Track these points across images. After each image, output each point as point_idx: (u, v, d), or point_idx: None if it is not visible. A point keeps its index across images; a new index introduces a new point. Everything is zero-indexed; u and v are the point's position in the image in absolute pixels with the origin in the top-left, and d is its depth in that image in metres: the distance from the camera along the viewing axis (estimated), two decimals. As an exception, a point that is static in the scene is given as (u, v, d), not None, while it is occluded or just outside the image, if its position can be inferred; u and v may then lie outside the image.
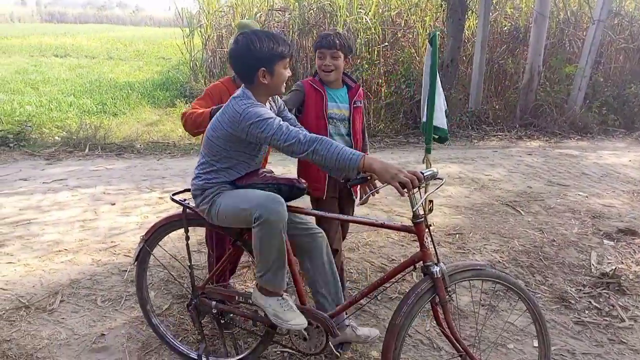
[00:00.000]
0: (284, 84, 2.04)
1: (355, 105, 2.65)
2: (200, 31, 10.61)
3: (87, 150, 6.08)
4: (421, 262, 1.97)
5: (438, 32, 2.93)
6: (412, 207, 1.88)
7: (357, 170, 1.79)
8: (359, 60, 9.19)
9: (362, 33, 9.11)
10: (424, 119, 3.02)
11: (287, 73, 2.00)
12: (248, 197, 1.95)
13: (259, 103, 1.94)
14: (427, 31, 9.09)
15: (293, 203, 2.08)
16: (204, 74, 10.24)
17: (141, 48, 19.46)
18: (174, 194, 2.28)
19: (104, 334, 2.68)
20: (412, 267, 2.02)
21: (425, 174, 1.88)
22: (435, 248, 1.98)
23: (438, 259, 1.97)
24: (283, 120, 2.17)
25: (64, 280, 3.16)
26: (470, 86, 8.04)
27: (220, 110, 1.98)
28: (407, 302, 1.93)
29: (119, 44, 21.03)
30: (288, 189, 2.07)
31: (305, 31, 9.89)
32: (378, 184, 2.44)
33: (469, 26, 9.08)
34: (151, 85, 11.03)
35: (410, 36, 9.30)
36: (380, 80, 8.95)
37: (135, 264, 2.44)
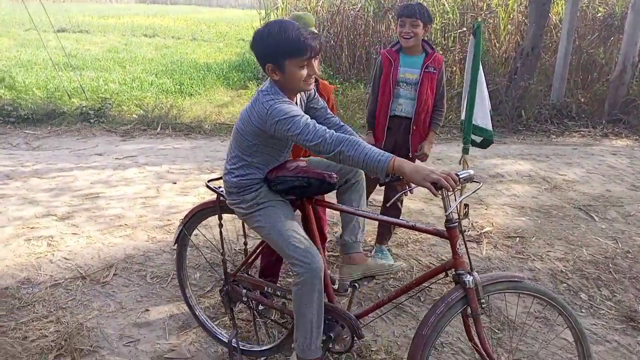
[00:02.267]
0: (307, 82, 1.91)
1: (426, 70, 2.84)
2: (277, 14, 10.69)
3: (159, 129, 6.36)
4: (453, 269, 1.84)
5: (483, 23, 2.73)
6: (445, 211, 1.76)
7: (387, 172, 1.69)
8: (434, 46, 8.86)
9: (438, 17, 8.75)
10: (462, 117, 2.82)
11: (305, 72, 1.86)
12: (290, 240, 1.91)
13: (286, 99, 1.86)
14: (510, 16, 8.57)
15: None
16: (275, 56, 10.33)
17: (223, 30, 20.00)
18: (209, 181, 2.29)
19: (148, 310, 2.79)
20: (443, 274, 1.90)
21: (460, 176, 1.74)
22: (469, 255, 1.84)
23: (472, 267, 1.83)
24: (315, 109, 2.13)
25: (120, 254, 3.33)
26: (553, 77, 7.47)
27: (249, 103, 1.94)
28: (436, 312, 1.81)
29: (203, 25, 21.75)
30: (318, 184, 2.00)
31: (379, 15, 9.67)
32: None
33: (557, 12, 8.42)
34: (227, 66, 11.30)
35: (491, 21, 8.79)
36: (455, 68, 8.57)
37: (176, 246, 2.51)
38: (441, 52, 8.66)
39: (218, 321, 2.67)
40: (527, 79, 6.80)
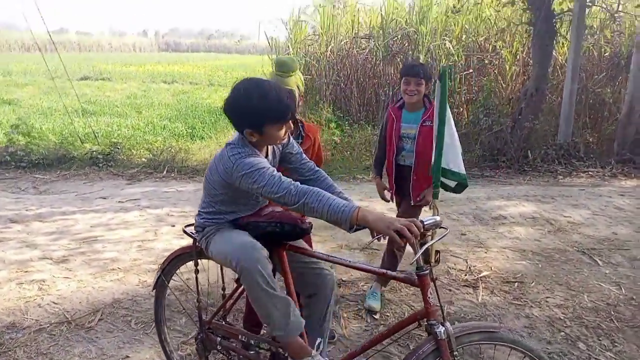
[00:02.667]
0: (283, 138, 1.93)
1: (423, 125, 3.02)
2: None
3: (164, 172, 6.46)
4: (425, 319, 1.77)
5: (448, 69, 2.79)
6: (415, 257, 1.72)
7: (350, 224, 1.67)
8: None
9: (444, 60, 8.86)
10: (432, 161, 2.80)
11: (283, 132, 1.88)
12: (229, 243, 1.91)
13: (253, 152, 1.86)
14: (517, 57, 8.63)
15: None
16: (285, 100, 10.52)
17: (240, 75, 20.38)
18: (186, 226, 2.29)
19: (129, 357, 2.75)
20: (416, 324, 1.83)
21: (425, 223, 1.70)
22: (441, 304, 1.77)
23: (444, 318, 1.77)
24: (291, 154, 2.13)
25: (108, 299, 3.31)
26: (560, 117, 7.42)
27: (217, 155, 1.94)
28: (407, 365, 1.75)
29: (221, 71, 22.41)
30: (291, 229, 2.00)
31: (388, 58, 9.84)
32: None
33: (563, 52, 8.45)
34: (239, 110, 11.51)
35: (496, 62, 8.86)
36: (461, 109, 8.60)
37: (154, 292, 2.49)
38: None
39: (198, 369, 2.61)
40: (532, 119, 6.76)
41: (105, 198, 5.46)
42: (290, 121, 1.91)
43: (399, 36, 9.99)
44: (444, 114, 2.68)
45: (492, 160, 6.91)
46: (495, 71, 8.92)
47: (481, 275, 3.70)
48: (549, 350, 2.83)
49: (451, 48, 8.74)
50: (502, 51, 8.61)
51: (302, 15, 11.20)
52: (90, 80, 18.87)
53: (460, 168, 2.84)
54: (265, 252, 1.87)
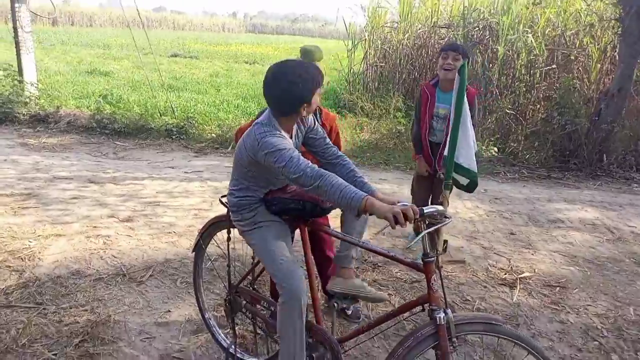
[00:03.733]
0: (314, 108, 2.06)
1: None
2: (363, 45, 10.96)
3: (229, 148, 6.79)
4: (428, 304, 1.84)
5: (467, 64, 2.75)
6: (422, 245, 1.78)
7: (358, 211, 1.75)
8: (517, 83, 8.58)
9: (524, 54, 8.47)
10: (445, 154, 2.76)
11: (319, 99, 2.03)
12: (275, 260, 2.04)
13: (279, 132, 1.98)
14: (607, 54, 8.07)
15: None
16: (358, 87, 10.56)
17: (318, 59, 20.77)
18: (222, 196, 2.48)
19: (170, 311, 3.02)
20: (420, 308, 1.89)
21: (426, 211, 1.75)
22: (444, 291, 1.83)
23: (447, 304, 1.82)
24: (315, 139, 2.23)
25: (161, 258, 3.63)
26: (646, 121, 6.91)
27: (246, 133, 2.05)
28: (404, 345, 1.82)
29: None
30: (311, 207, 2.12)
31: (467, 49, 9.56)
32: None
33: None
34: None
35: (582, 59, 8.34)
36: (538, 106, 8.21)
37: (193, 254, 2.72)
38: (524, 89, 8.37)
39: (229, 330, 2.82)
40: (611, 121, 6.35)
41: (173, 168, 5.87)
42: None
43: (481, 26, 9.66)
44: (460, 108, 2.66)
45: (563, 162, 6.59)
46: (580, 68, 8.41)
47: (521, 275, 3.62)
48: (577, 356, 2.76)
49: (533, 42, 8.34)
50: (589, 47, 8.09)
51: (382, 2, 11.12)
52: (179, 57, 19.92)
53: (472, 165, 2.80)
54: (305, 282, 2.01)
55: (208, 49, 23.83)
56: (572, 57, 8.54)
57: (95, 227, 4.05)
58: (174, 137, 7.07)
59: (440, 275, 1.83)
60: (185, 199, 4.84)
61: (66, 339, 2.69)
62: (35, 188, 4.80)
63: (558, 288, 3.49)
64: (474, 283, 3.50)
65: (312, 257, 2.37)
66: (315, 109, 2.64)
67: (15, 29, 7.94)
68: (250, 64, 19.16)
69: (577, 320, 3.11)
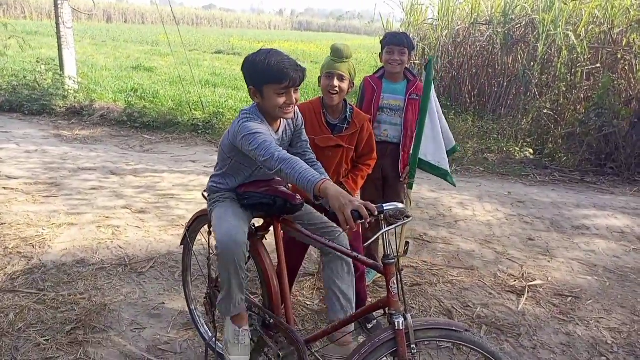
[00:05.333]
0: (284, 111, 2.00)
1: (410, 97, 2.95)
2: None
3: (254, 143, 6.82)
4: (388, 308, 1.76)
5: (434, 58, 2.58)
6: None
7: (314, 193, 1.71)
8: (557, 82, 8.18)
9: (565, 52, 8.06)
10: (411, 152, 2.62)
11: (282, 100, 1.95)
12: (221, 220, 2.04)
13: (260, 120, 1.98)
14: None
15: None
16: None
17: (360, 57, 20.63)
18: (204, 190, 2.47)
19: (164, 303, 3.05)
20: (382, 312, 1.82)
21: (385, 209, 1.66)
22: (404, 295, 1.74)
23: (406, 309, 1.73)
24: (297, 141, 2.21)
25: (164, 250, 3.67)
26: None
27: (233, 121, 2.09)
28: (360, 352, 1.75)
29: (343, 50, 22.58)
30: (282, 203, 2.08)
31: (507, 47, 9.22)
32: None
33: None
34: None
35: (629, 58, 7.84)
36: (578, 106, 7.80)
37: (181, 247, 2.73)
38: (564, 89, 7.98)
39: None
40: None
41: (194, 162, 5.95)
42: (292, 94, 1.98)
43: (523, 23, 9.30)
44: (426, 103, 2.53)
45: (598, 165, 6.23)
46: (626, 67, 7.92)
47: (532, 283, 3.44)
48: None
49: (574, 39, 7.92)
50: (636, 46, 7.61)
51: (421, -1, 10.90)
52: (222, 54, 20.31)
53: (442, 163, 2.65)
54: (246, 243, 1.99)
55: (251, 46, 24.13)
56: (619, 56, 8.07)
57: (107, 217, 4.15)
58: (199, 131, 7.18)
59: (400, 279, 1.74)
60: (200, 192, 4.87)
61: (60, 325, 2.76)
62: (58, 178, 4.98)
63: (570, 298, 3.29)
64: (479, 289, 3.35)
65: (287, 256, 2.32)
66: (345, 105, 2.59)
67: (57, 24, 8.29)
68: (291, 60, 19.23)
69: (585, 333, 2.92)
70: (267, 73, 1.92)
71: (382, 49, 3.00)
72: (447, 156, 2.91)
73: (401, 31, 3.08)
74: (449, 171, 2.80)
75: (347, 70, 2.52)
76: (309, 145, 2.30)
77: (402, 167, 3.02)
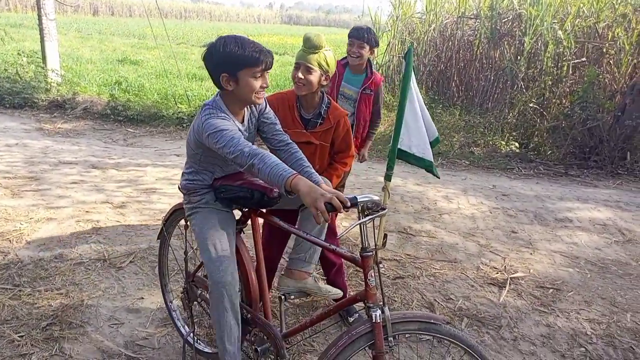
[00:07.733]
0: (259, 96, 1.95)
1: (364, 92, 3.10)
2: (388, 35, 10.76)
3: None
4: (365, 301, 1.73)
5: (413, 46, 2.61)
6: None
7: (285, 188, 1.67)
8: (543, 76, 8.21)
9: (552, 46, 8.08)
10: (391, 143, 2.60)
11: (259, 83, 1.91)
12: (209, 249, 1.99)
13: (223, 114, 1.92)
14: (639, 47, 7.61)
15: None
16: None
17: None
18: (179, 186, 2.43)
19: (143, 298, 3.01)
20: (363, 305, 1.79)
21: (359, 200, 1.64)
22: (382, 288, 1.73)
23: (384, 302, 1.71)
24: (265, 123, 2.16)
25: (144, 245, 3.62)
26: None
27: (196, 116, 2.03)
28: (337, 344, 1.73)
29: (331, 45, 22.52)
30: (260, 196, 2.04)
31: (493, 41, 9.22)
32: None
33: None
34: (333, 84, 11.59)
35: (612, 51, 7.88)
36: (564, 100, 7.83)
37: (158, 241, 2.69)
38: (550, 83, 8.01)
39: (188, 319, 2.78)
40: (636, 117, 5.98)
41: (178, 156, 5.89)
42: (266, 76, 1.94)
43: (510, 17, 9.30)
44: (406, 91, 2.49)
45: (582, 159, 6.27)
46: (611, 61, 7.96)
47: (514, 275, 3.44)
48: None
49: (561, 33, 7.94)
50: (621, 40, 7.64)
51: (408, -8, 10.86)
52: (210, 47, 20.10)
53: (426, 154, 2.63)
54: (236, 274, 1.98)
55: (241, 40, 23.93)
56: (604, 50, 8.11)
57: (87, 211, 4.09)
58: (185, 125, 7.11)
59: (379, 271, 1.72)
60: (183, 186, 4.82)
61: (35, 321, 2.71)
62: (39, 172, 4.90)
63: (551, 290, 3.30)
64: (461, 281, 3.35)
65: (266, 249, 2.29)
66: (322, 100, 2.48)
67: (39, 16, 8.14)
68: (280, 54, 19.14)
69: (565, 325, 2.93)
70: (243, 58, 1.86)
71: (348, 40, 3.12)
72: (430, 147, 2.89)
73: (366, 27, 3.05)
74: (433, 162, 2.77)
75: (316, 61, 2.34)
76: (278, 126, 2.19)
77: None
